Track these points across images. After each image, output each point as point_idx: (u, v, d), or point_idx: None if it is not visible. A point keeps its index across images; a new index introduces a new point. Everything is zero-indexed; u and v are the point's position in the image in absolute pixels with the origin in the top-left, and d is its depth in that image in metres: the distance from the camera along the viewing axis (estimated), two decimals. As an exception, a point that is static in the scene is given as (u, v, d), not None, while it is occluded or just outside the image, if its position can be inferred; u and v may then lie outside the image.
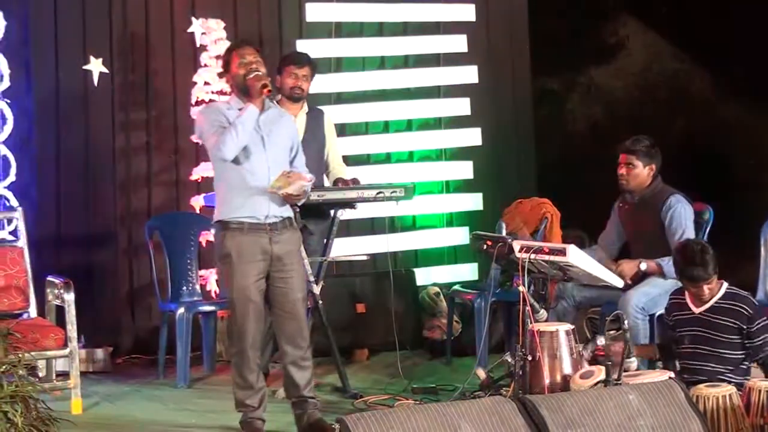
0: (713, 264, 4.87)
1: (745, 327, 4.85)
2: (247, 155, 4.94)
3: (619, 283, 5.16)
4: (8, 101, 6.76)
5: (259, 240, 4.97)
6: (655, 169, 5.84)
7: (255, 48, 5.16)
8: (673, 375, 4.53)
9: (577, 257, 4.87)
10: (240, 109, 4.99)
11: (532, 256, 4.91)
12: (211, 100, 7.05)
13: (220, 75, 6.29)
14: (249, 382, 5.03)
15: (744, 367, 4.88)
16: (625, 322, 4.64)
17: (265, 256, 4.99)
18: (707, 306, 4.93)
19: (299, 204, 5.13)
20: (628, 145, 5.82)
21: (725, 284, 4.95)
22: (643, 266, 5.62)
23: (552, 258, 4.90)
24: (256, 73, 4.97)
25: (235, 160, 4.93)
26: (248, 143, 4.93)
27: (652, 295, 5.49)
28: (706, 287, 4.88)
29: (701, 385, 4.53)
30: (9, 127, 6.74)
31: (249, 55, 5.05)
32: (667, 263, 5.49)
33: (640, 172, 5.81)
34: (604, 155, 5.94)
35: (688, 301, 4.99)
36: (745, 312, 4.86)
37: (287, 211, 5.08)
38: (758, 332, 4.86)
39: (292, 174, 4.95)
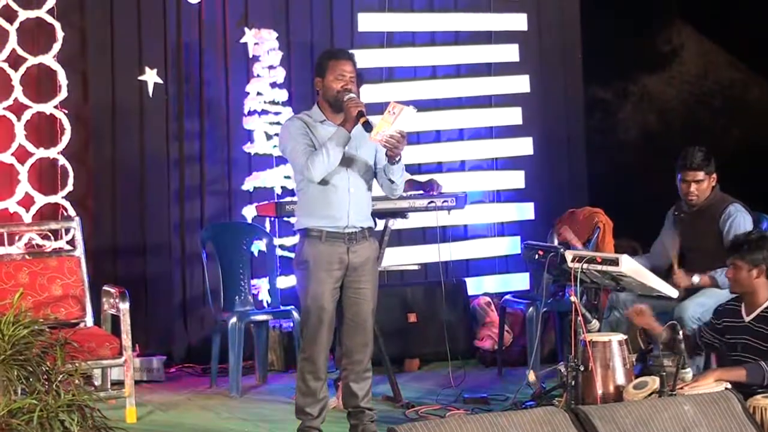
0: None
1: None
2: (330, 172, 4.95)
3: (674, 293, 5.12)
4: (66, 111, 6.86)
5: (337, 249, 5.00)
6: (716, 178, 5.80)
7: (354, 63, 5.09)
8: (729, 386, 4.48)
9: (631, 267, 4.85)
10: (322, 122, 4.99)
11: (585, 265, 4.89)
12: (263, 110, 7.12)
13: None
14: (313, 390, 5.04)
15: None
16: (680, 332, 4.60)
17: (341, 266, 5.02)
18: (754, 315, 4.86)
19: (398, 156, 4.93)
20: (696, 162, 5.73)
21: None
22: (696, 279, 5.57)
23: (605, 268, 4.88)
24: (352, 96, 4.93)
25: None
26: None
27: (708, 305, 5.43)
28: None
29: (758, 396, 4.47)
30: (67, 138, 6.83)
31: (348, 72, 5.02)
32: (721, 275, 5.44)
33: (708, 186, 5.77)
34: (657, 164, 5.89)
35: (742, 308, 4.93)
36: None
37: (367, 222, 5.10)
38: None
39: (392, 110, 4.80)
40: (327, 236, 4.99)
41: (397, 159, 4.98)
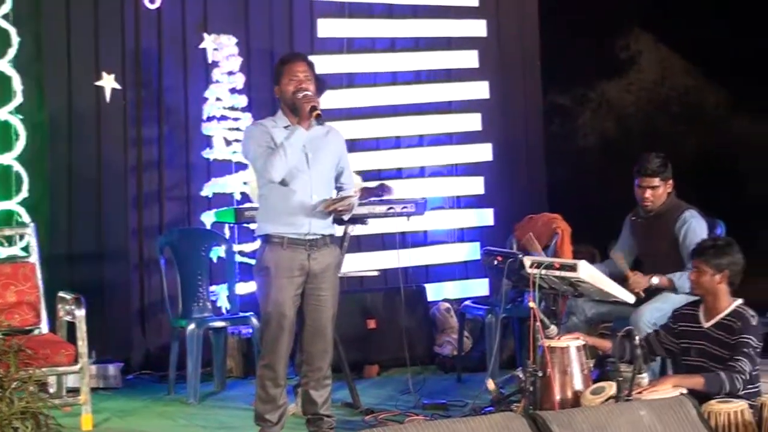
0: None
1: (732, 341, 4.79)
2: (291, 174, 4.95)
3: (631, 298, 5.14)
4: (21, 117, 6.79)
5: (298, 255, 4.99)
6: (672, 184, 5.84)
7: (307, 62, 5.11)
8: (685, 391, 4.51)
9: (589, 273, 4.87)
10: (286, 127, 5.00)
11: (543, 271, 4.91)
12: (222, 116, 7.09)
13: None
14: (272, 397, 5.03)
15: (753, 385, 4.79)
16: (637, 337, 4.63)
17: (302, 272, 5.01)
18: (714, 321, 4.90)
19: (345, 218, 5.14)
20: (651, 167, 5.78)
21: (737, 302, 4.91)
22: (655, 280, 5.60)
23: (563, 273, 4.89)
24: (306, 93, 4.94)
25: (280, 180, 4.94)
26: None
27: (665, 310, 5.46)
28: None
29: (713, 401, 4.51)
30: (21, 143, 6.76)
31: (300, 72, 5.02)
32: (679, 278, 5.48)
33: (662, 191, 5.81)
34: (615, 170, 5.94)
35: (700, 314, 4.96)
36: (735, 326, 4.81)
37: (328, 229, 5.10)
38: (735, 347, 4.75)
39: (335, 198, 4.99)
40: (288, 242, 4.99)
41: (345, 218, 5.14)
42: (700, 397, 4.45)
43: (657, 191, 5.79)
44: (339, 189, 5.16)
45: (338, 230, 5.51)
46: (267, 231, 5.04)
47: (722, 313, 4.88)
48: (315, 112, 4.89)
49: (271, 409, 5.03)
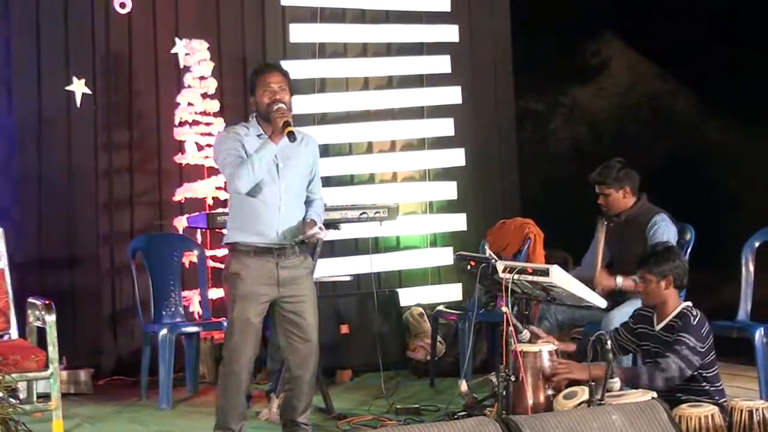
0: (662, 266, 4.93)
1: (670, 340, 4.83)
2: (261, 184, 4.93)
3: (602, 303, 5.17)
4: (-11, 122, 6.77)
5: (266, 264, 4.98)
6: (630, 189, 5.88)
7: (282, 72, 5.06)
8: (656, 395, 4.55)
9: (561, 278, 4.89)
10: (259, 136, 4.98)
11: (516, 276, 4.93)
12: (194, 121, 7.08)
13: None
14: (234, 404, 5.02)
15: (708, 385, 4.81)
16: (608, 342, 4.66)
17: (270, 281, 4.99)
18: (663, 324, 4.95)
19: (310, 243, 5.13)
20: (595, 176, 5.89)
21: (685, 304, 4.97)
22: (620, 280, 5.64)
23: (535, 278, 4.91)
24: (280, 106, 4.91)
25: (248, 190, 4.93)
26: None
27: (635, 315, 5.50)
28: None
29: (684, 405, 4.55)
30: (-10, 148, 6.74)
31: (274, 83, 4.99)
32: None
33: (616, 197, 5.87)
34: (587, 176, 5.96)
35: (654, 317, 5.02)
36: (676, 326, 4.86)
37: (296, 239, 5.08)
38: (670, 345, 4.79)
39: (303, 229, 4.97)
40: (256, 251, 4.98)
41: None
42: (671, 401, 4.48)
43: (609, 198, 5.86)
44: (306, 198, 5.14)
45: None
46: (235, 239, 5.03)
47: (670, 315, 4.94)
48: (287, 128, 4.86)
49: (235, 416, 5.02)
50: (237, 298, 4.98)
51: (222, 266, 6.96)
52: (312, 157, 5.15)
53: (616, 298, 5.63)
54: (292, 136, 4.86)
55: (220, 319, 6.53)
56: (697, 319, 4.86)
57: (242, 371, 4.99)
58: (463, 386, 5.09)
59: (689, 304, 4.97)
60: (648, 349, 5.00)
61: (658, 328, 4.97)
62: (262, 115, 5.02)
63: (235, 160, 4.92)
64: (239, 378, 4.99)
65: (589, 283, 5.38)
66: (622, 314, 5.51)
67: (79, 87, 7.08)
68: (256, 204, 4.96)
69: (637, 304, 5.52)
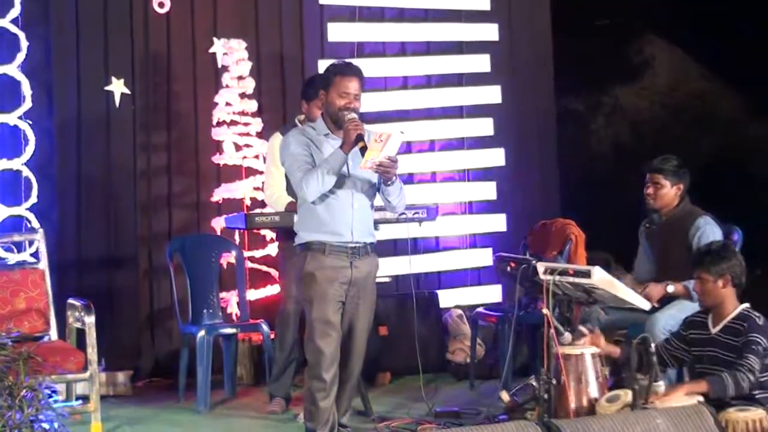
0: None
1: (739, 343, 4.77)
2: (334, 187, 4.92)
3: (646, 305, 5.12)
4: (30, 122, 6.82)
5: (340, 263, 4.97)
6: (683, 189, 5.81)
7: (360, 78, 5.02)
8: (701, 399, 4.49)
9: (603, 279, 4.84)
10: (326, 135, 4.97)
11: (557, 278, 4.89)
12: (232, 121, 7.10)
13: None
14: (322, 410, 4.96)
15: (760, 392, 4.72)
16: (652, 345, 4.61)
17: (344, 280, 4.98)
18: (721, 326, 4.88)
19: (391, 183, 4.96)
20: (656, 164, 5.81)
21: (742, 306, 4.90)
22: (671, 288, 5.58)
23: (577, 280, 4.87)
24: (354, 117, 4.88)
25: None
26: None
27: (679, 318, 5.42)
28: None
29: (731, 409, 4.48)
30: (31, 149, 6.79)
31: (352, 89, 4.97)
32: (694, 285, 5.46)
33: (668, 191, 5.79)
34: (629, 176, 5.91)
35: (709, 320, 4.95)
36: (741, 328, 4.79)
37: (370, 237, 5.07)
38: (742, 347, 4.72)
39: (380, 136, 4.80)
40: (330, 250, 4.96)
41: (390, 182, 4.97)
42: (717, 405, 4.42)
43: (661, 190, 5.77)
44: (383, 197, 5.08)
45: (378, 236, 5.43)
46: (308, 239, 5.01)
47: (728, 317, 4.87)
48: (360, 143, 4.82)
49: (322, 422, 4.97)
50: (315, 298, 4.95)
51: (260, 267, 7.05)
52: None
53: (661, 301, 5.57)
54: (363, 150, 4.82)
55: (258, 321, 6.54)
56: (762, 320, 4.80)
57: (328, 373, 4.93)
58: (505, 396, 5.05)
59: (748, 305, 4.90)
60: (700, 354, 4.92)
61: (715, 330, 4.89)
62: (330, 114, 5.00)
63: (303, 166, 4.90)
64: (326, 381, 4.94)
65: (638, 287, 5.33)
66: (666, 316, 5.46)
67: (118, 87, 7.12)
68: (330, 203, 4.95)
69: (682, 306, 5.48)
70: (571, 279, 4.89)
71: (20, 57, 6.76)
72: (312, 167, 4.89)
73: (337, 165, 4.86)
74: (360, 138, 4.83)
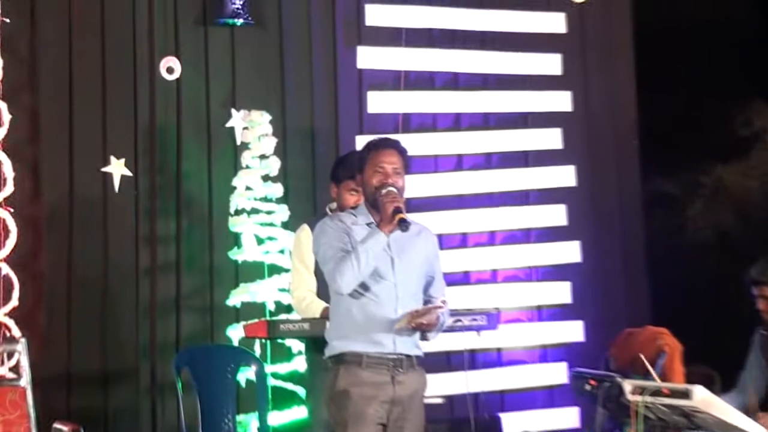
0: None
1: None
2: (373, 281, 4.89)
3: (762, 434, 5.01)
4: (11, 210, 6.84)
5: (380, 378, 4.92)
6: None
7: (399, 151, 5.03)
8: None
9: (706, 401, 4.75)
10: (369, 224, 4.96)
11: (649, 399, 4.81)
12: (253, 209, 7.10)
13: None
14: None
15: None
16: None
17: (385, 398, 4.92)
18: None
19: (432, 336, 5.02)
20: (757, 275, 5.79)
21: None
22: (785, 416, 5.49)
23: (673, 401, 4.80)
24: (390, 189, 4.89)
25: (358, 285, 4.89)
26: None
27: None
28: None
29: None
30: (12, 242, 6.80)
31: (388, 163, 4.97)
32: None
33: None
34: (735, 273, 5.85)
35: None
36: None
37: (415, 349, 5.02)
38: None
39: (419, 310, 4.88)
40: (368, 362, 4.91)
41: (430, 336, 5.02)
42: None
43: None
44: (427, 302, 5.07)
45: (426, 347, 5.41)
46: (342, 349, 4.95)
47: None
48: (398, 215, 4.82)
49: None
50: (349, 421, 4.88)
51: (284, 385, 6.97)
52: (431, 251, 5.09)
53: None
54: (404, 225, 4.81)
55: (283, 450, 6.48)
56: None
57: None
58: None
59: None
60: None
61: None
62: (368, 198, 5.00)
63: (337, 253, 4.88)
64: None
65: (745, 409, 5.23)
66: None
67: (117, 168, 7.17)
68: (368, 305, 4.91)
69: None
70: (666, 400, 4.82)
71: (1, 132, 6.81)
72: (346, 255, 4.87)
73: (376, 246, 4.84)
74: (398, 211, 4.81)
